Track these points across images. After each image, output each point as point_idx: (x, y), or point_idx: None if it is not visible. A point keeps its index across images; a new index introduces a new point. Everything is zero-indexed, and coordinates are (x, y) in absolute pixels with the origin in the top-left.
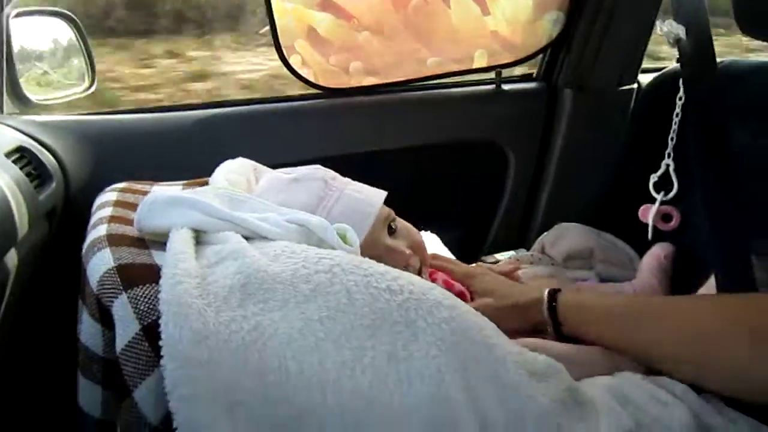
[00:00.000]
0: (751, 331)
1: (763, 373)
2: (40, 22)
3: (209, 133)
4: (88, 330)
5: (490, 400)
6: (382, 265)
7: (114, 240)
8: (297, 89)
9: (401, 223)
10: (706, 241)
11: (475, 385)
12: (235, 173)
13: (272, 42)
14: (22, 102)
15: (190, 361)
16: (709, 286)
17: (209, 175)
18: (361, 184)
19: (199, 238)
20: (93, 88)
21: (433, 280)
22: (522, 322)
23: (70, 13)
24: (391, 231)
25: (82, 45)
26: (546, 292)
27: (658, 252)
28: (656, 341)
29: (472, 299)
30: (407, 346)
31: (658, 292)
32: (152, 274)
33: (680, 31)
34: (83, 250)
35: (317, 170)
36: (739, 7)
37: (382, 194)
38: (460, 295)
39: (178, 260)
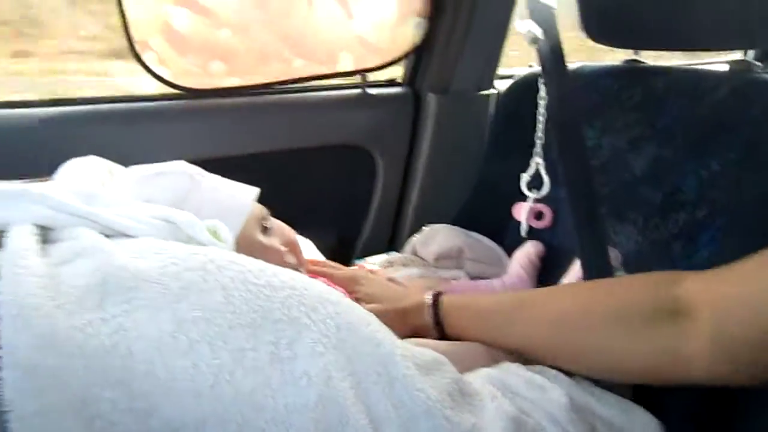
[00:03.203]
0: (603, 313)
1: (615, 353)
2: None
3: (54, 134)
4: None
5: (379, 396)
6: (259, 260)
7: None
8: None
9: (275, 222)
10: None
11: (363, 381)
12: (86, 171)
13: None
14: None
15: (35, 371)
16: (571, 275)
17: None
18: (229, 181)
19: (46, 236)
20: None
21: None
22: (406, 326)
23: None
24: (265, 230)
25: None
26: (430, 296)
27: (529, 249)
28: (526, 334)
29: None
30: (291, 345)
31: (527, 286)
32: None
33: (538, 31)
34: None
35: (181, 164)
36: (586, 16)
37: (254, 191)
38: None
39: (19, 257)
